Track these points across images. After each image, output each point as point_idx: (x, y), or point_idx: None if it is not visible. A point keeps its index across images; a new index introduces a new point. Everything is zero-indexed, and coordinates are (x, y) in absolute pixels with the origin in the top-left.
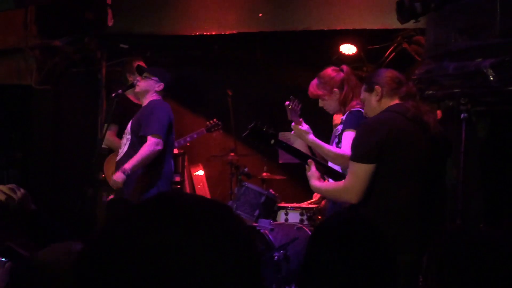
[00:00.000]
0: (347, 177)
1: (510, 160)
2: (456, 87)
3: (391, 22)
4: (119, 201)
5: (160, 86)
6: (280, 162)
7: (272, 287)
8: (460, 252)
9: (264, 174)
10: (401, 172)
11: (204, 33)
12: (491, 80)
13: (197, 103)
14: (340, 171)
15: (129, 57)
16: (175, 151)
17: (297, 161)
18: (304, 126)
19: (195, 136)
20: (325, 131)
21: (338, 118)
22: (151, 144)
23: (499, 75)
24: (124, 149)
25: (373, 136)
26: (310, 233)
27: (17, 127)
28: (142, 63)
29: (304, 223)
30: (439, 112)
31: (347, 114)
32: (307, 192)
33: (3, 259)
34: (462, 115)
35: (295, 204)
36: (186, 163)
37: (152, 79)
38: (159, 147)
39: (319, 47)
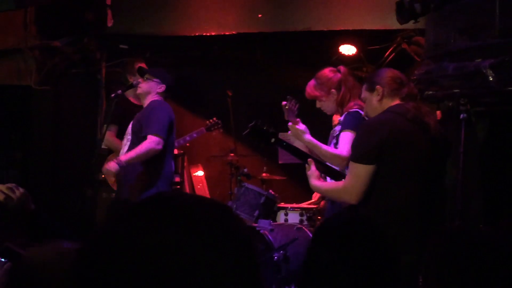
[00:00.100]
0: (347, 177)
1: (510, 161)
2: (456, 87)
3: (391, 22)
4: (120, 202)
5: (161, 87)
6: (279, 162)
7: (272, 287)
8: (460, 252)
9: (264, 174)
10: (401, 172)
11: (204, 34)
12: (491, 80)
13: (196, 103)
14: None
15: (130, 58)
16: (175, 151)
17: (296, 161)
18: (301, 126)
19: (195, 135)
20: (323, 131)
21: (337, 119)
22: (152, 142)
23: (499, 76)
24: (124, 149)
25: (373, 137)
26: (309, 233)
27: (17, 128)
28: (143, 65)
29: (304, 223)
30: (438, 113)
31: (345, 115)
32: (307, 192)
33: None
34: (461, 116)
35: (294, 205)
36: (185, 164)
37: (153, 81)
38: (159, 147)
39: (319, 48)
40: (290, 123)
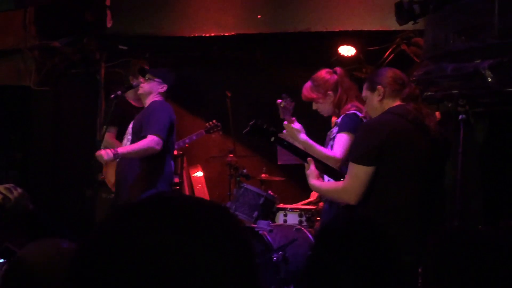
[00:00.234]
0: (346, 177)
1: (509, 161)
2: (455, 88)
3: (390, 23)
4: (119, 202)
5: (163, 87)
6: (279, 163)
7: None
8: (459, 253)
9: (263, 175)
10: (401, 173)
11: (203, 34)
12: (489, 81)
13: (196, 104)
14: None
15: (132, 59)
16: (174, 152)
17: (296, 162)
18: (297, 125)
19: (194, 138)
20: (320, 132)
21: (335, 121)
22: (151, 141)
23: (497, 76)
24: None
25: (373, 138)
26: (308, 234)
27: (16, 128)
28: (145, 65)
29: (303, 224)
30: (438, 114)
31: (343, 117)
32: (306, 193)
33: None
34: (460, 116)
35: (294, 206)
36: (185, 164)
37: (155, 81)
38: (158, 147)
39: (319, 49)
40: (285, 122)
